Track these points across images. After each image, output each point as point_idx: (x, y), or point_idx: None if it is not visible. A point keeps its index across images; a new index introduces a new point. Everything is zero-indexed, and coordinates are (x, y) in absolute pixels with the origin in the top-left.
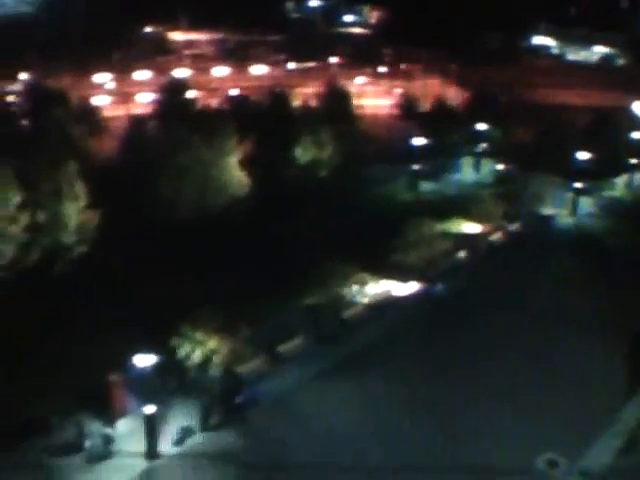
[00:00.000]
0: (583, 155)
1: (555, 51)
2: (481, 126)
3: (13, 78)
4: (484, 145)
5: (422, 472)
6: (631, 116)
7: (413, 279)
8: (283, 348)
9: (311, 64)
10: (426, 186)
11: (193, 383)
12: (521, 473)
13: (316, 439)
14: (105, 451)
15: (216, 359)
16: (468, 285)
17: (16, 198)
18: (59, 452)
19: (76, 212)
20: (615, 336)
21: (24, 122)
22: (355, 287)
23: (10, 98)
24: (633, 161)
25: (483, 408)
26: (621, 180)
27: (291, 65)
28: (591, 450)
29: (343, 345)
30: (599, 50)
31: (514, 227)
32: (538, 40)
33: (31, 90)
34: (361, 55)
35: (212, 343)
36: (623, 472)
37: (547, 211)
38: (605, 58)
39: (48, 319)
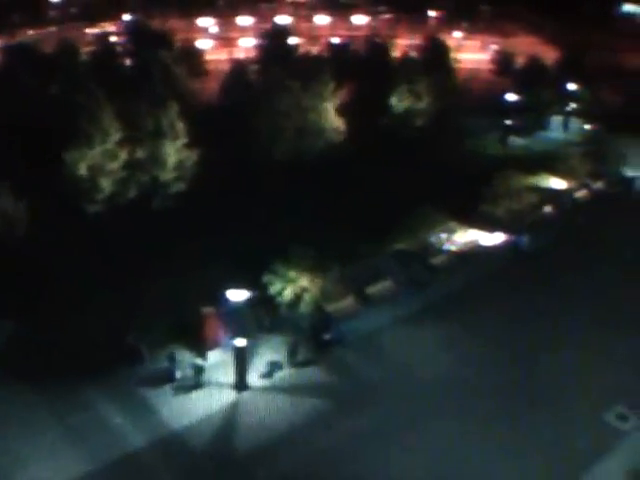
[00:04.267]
0: None
1: None
2: (572, 86)
3: (118, 19)
4: (574, 105)
5: (495, 405)
6: None
7: (500, 230)
8: (372, 290)
9: (411, 16)
10: (516, 141)
11: (283, 319)
12: (591, 423)
13: (398, 376)
14: (196, 381)
15: (307, 297)
16: (552, 239)
17: (117, 135)
18: (152, 382)
19: (175, 151)
20: None
21: (128, 61)
22: (444, 235)
23: (114, 38)
24: None
25: (559, 356)
26: None
27: (391, 16)
28: None
29: (429, 290)
30: None
31: (598, 185)
32: (628, 7)
33: (135, 30)
34: (460, 10)
35: (303, 281)
36: None
37: (631, 172)
38: None
39: (144, 253)
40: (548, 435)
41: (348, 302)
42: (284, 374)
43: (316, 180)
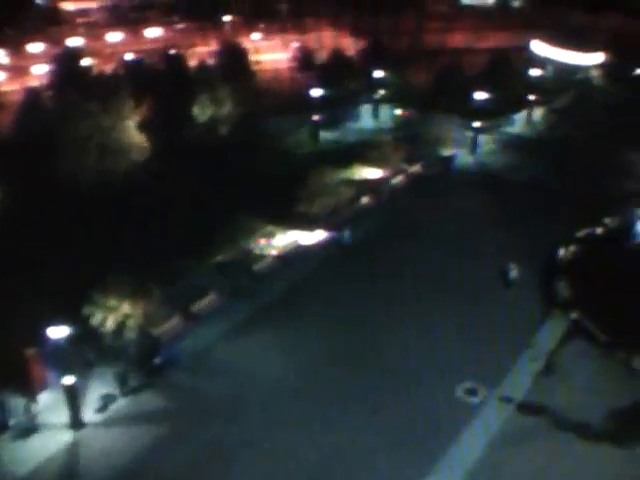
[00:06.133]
0: (481, 95)
1: None
2: (378, 73)
3: None
4: (382, 92)
5: (343, 406)
6: (529, 54)
7: (320, 228)
8: (197, 306)
9: (206, 24)
10: (327, 135)
11: (110, 349)
12: (441, 402)
13: (234, 390)
14: (31, 426)
15: (130, 323)
16: (372, 229)
17: None
18: None
19: None
20: (525, 261)
21: None
22: (263, 240)
23: None
24: (531, 97)
25: (398, 345)
26: (520, 116)
27: (185, 25)
28: (509, 376)
29: (255, 298)
30: None
31: (415, 169)
32: None
33: None
34: (255, 11)
35: (125, 307)
36: (542, 395)
37: (447, 152)
38: (501, 0)
39: None
40: (400, 426)
41: (175, 322)
42: (119, 405)
43: (125, 201)
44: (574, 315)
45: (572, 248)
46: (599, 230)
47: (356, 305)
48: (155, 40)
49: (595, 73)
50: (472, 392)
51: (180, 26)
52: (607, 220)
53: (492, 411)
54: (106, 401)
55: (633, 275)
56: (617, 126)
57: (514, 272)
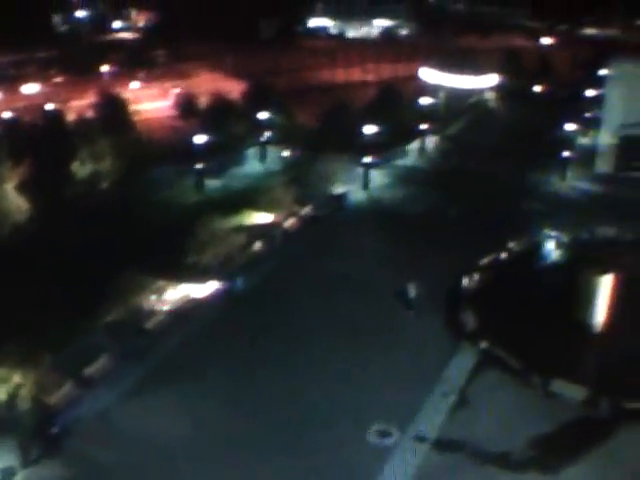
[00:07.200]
0: (370, 129)
1: (334, 31)
2: (263, 115)
3: None
4: (268, 133)
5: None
6: (419, 83)
7: (211, 279)
8: (90, 370)
9: (84, 76)
10: (213, 183)
11: (4, 422)
12: (353, 449)
13: (134, 454)
14: None
15: (23, 393)
16: (266, 276)
17: None
18: None
19: None
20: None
21: None
22: (154, 296)
23: None
24: (423, 127)
25: (301, 394)
26: (413, 147)
27: (63, 79)
28: (422, 413)
29: (149, 358)
30: (380, 23)
31: (306, 211)
32: (315, 22)
33: None
34: (134, 60)
35: (16, 378)
36: (458, 430)
37: (338, 190)
38: (387, 31)
39: None
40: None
41: (68, 389)
42: (19, 479)
43: (6, 267)
44: (484, 345)
45: (476, 276)
46: (504, 255)
47: (255, 357)
48: (33, 96)
49: (489, 95)
50: (385, 434)
51: (58, 80)
52: (512, 244)
53: (408, 452)
54: (6, 475)
55: (542, 298)
56: (515, 147)
57: (412, 291)
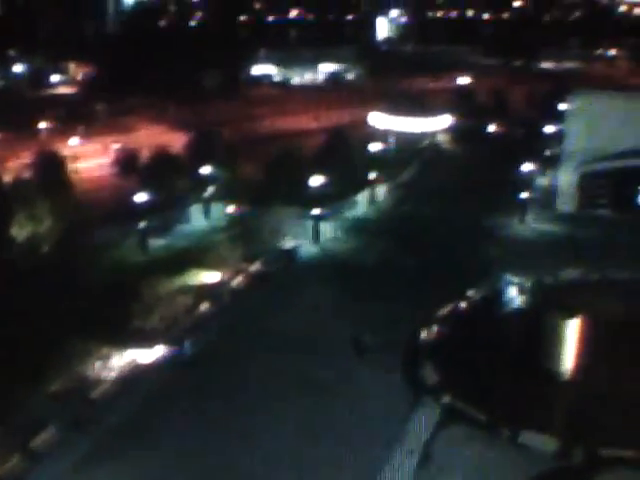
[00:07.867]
0: (316, 180)
1: (277, 78)
2: (206, 169)
3: None
4: (212, 189)
5: None
6: (367, 128)
7: (158, 343)
8: (36, 442)
9: (21, 133)
10: (157, 242)
11: None
12: None
13: None
14: None
15: None
16: (215, 337)
17: None
18: None
19: None
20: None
21: None
22: (99, 363)
23: None
24: (372, 175)
25: (259, 463)
26: (363, 197)
27: None
28: (384, 474)
29: (97, 427)
30: (326, 69)
31: (255, 267)
32: (259, 70)
33: None
34: (72, 115)
35: None
36: None
37: (288, 244)
38: (333, 76)
39: None
40: None
41: (14, 462)
42: None
43: None
44: (446, 399)
45: (434, 328)
46: (463, 304)
47: (206, 424)
48: None
49: (442, 138)
50: None
51: None
52: (470, 292)
53: None
54: None
55: (505, 346)
56: (470, 191)
57: (367, 338)
